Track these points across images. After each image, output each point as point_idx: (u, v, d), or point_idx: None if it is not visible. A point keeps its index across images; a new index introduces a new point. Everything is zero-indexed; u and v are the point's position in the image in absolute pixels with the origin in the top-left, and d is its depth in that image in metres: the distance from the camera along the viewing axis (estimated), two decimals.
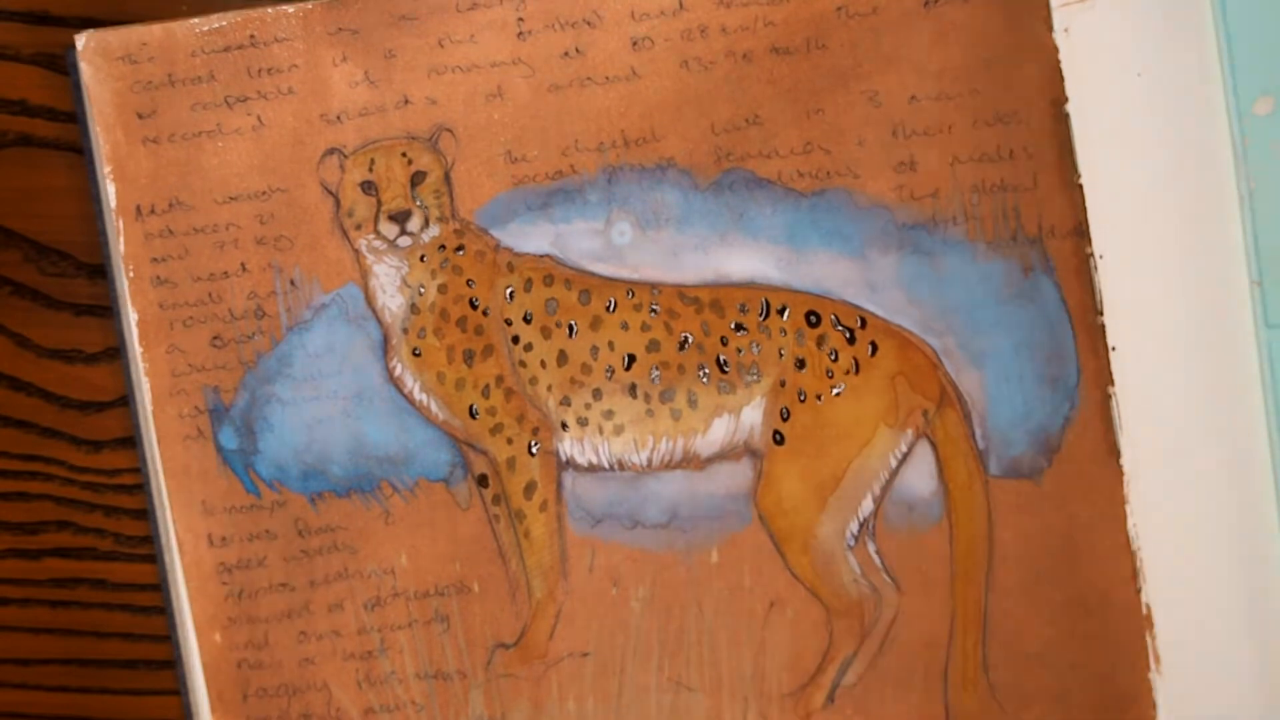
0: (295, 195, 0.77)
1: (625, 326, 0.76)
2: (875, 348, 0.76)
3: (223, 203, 0.77)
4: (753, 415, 0.77)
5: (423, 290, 0.77)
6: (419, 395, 0.77)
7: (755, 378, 0.76)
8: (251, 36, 0.76)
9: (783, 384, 0.76)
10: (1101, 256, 0.75)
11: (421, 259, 0.77)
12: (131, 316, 0.77)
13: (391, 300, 0.77)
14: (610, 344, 0.77)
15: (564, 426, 0.77)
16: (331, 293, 0.77)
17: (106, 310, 0.80)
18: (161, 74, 0.76)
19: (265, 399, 0.78)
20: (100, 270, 0.80)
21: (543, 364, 0.77)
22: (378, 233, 0.77)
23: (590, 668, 0.78)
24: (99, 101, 0.77)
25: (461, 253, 0.77)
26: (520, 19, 0.76)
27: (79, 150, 0.79)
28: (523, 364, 0.77)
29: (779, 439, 0.76)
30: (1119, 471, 0.75)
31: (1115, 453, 0.75)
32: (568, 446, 0.77)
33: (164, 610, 0.80)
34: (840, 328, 0.76)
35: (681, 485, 0.77)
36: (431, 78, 0.76)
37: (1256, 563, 0.75)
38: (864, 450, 0.76)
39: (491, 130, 0.76)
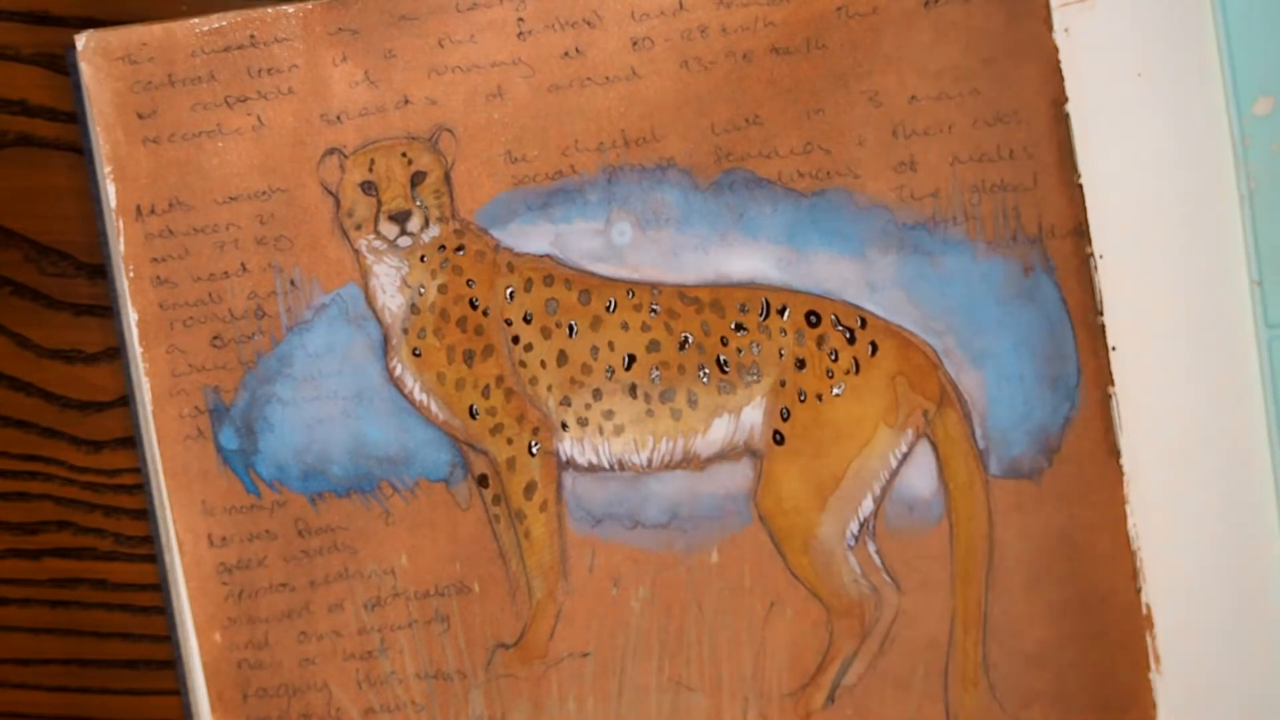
0: (295, 195, 0.77)
1: (625, 326, 0.76)
2: (875, 348, 0.76)
3: (223, 203, 0.77)
4: (753, 415, 0.77)
5: (423, 290, 0.77)
6: (419, 395, 0.77)
7: (755, 378, 0.76)
8: (251, 36, 0.76)
9: (783, 384, 0.76)
10: (1101, 256, 0.75)
11: (421, 259, 0.77)
12: (131, 316, 0.77)
13: (391, 300, 0.77)
14: (610, 344, 0.77)
15: (564, 426, 0.77)
16: (332, 293, 0.77)
17: (106, 310, 0.80)
18: (161, 74, 0.76)
19: (265, 399, 0.78)
20: (100, 270, 0.80)
21: (543, 364, 0.77)
22: (378, 233, 0.77)
23: (590, 668, 0.78)
24: (99, 101, 0.77)
25: (461, 253, 0.77)
26: (520, 19, 0.76)
27: (79, 150, 0.79)
28: (523, 364, 0.77)
29: (779, 439, 0.76)
30: (1119, 471, 0.75)
31: (1115, 453, 0.75)
32: (568, 446, 0.77)
33: (164, 610, 0.80)
34: (840, 328, 0.76)
35: (682, 485, 0.77)
36: (431, 78, 0.76)
37: (1257, 562, 0.75)
38: (864, 450, 0.76)
39: (491, 130, 0.76)
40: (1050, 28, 0.74)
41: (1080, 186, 0.75)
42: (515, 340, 0.77)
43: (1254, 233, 0.74)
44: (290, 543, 0.78)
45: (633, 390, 0.77)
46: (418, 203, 0.76)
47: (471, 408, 0.77)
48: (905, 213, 0.76)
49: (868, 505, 0.76)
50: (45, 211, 0.81)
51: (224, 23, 0.76)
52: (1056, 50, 0.75)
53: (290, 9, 0.76)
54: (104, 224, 0.78)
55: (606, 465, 0.77)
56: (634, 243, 0.76)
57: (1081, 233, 0.75)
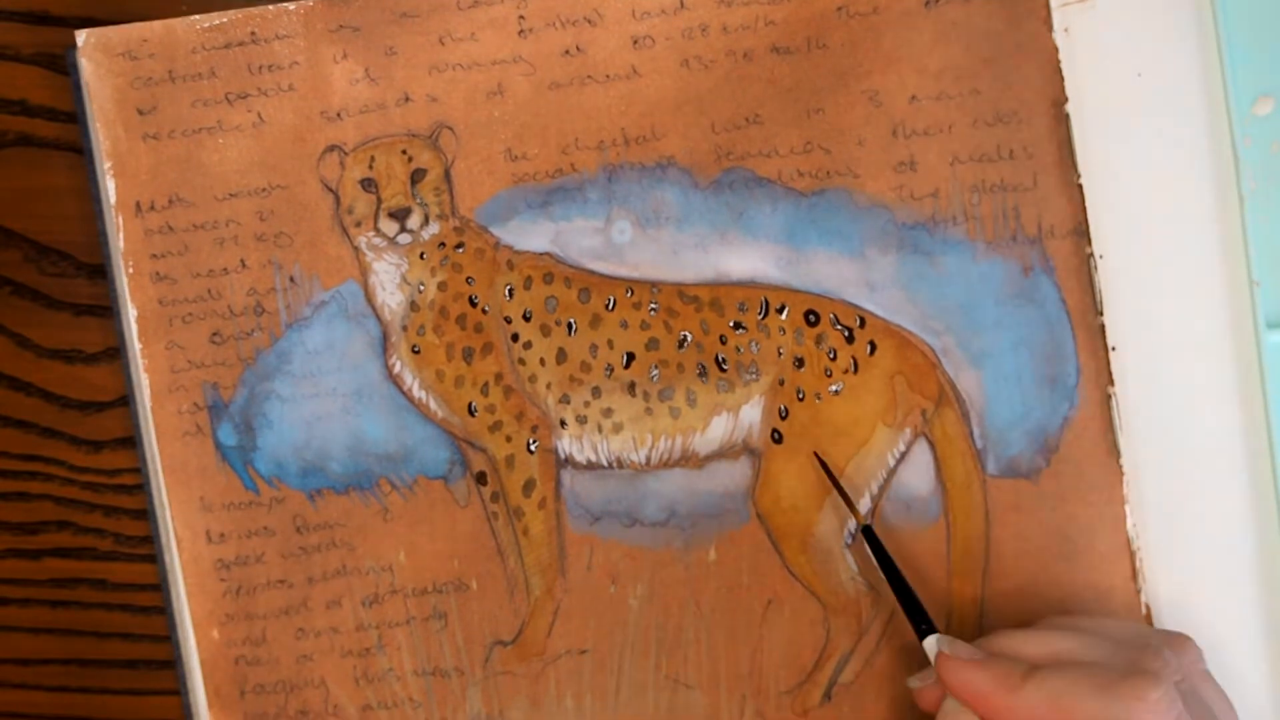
0: (295, 192, 0.77)
1: (624, 325, 0.76)
2: (874, 347, 0.76)
3: (223, 199, 0.77)
4: (751, 414, 0.77)
5: (422, 287, 0.77)
6: (418, 393, 0.77)
7: (754, 376, 0.76)
8: (252, 33, 0.76)
9: (781, 383, 0.76)
10: (1101, 256, 0.75)
11: (421, 256, 0.77)
12: (131, 313, 0.77)
13: (391, 297, 0.77)
14: (609, 342, 0.77)
15: (563, 424, 0.77)
16: (331, 290, 0.77)
17: (106, 310, 0.80)
18: (162, 70, 0.77)
19: (264, 396, 0.78)
20: (100, 270, 0.80)
21: (542, 362, 0.77)
22: (377, 230, 0.77)
23: (588, 665, 0.78)
24: (99, 98, 0.77)
25: (461, 250, 0.77)
26: (521, 17, 0.76)
27: (79, 150, 0.79)
28: (522, 362, 0.77)
29: (777, 437, 0.76)
30: (1118, 471, 0.75)
31: (1115, 453, 0.75)
32: (566, 444, 0.77)
33: (164, 610, 0.80)
34: (839, 327, 0.76)
35: (680, 483, 0.77)
36: (432, 75, 0.76)
37: (1257, 563, 0.75)
38: (862, 449, 0.76)
39: (492, 128, 0.76)
40: (1050, 28, 0.75)
41: (1080, 186, 0.75)
42: (514, 338, 0.77)
43: (1254, 233, 0.74)
44: (288, 539, 0.78)
45: (631, 388, 0.77)
46: (418, 200, 0.76)
47: (470, 405, 0.77)
48: (905, 212, 0.76)
49: (865, 504, 0.76)
50: (45, 211, 0.81)
51: (225, 19, 0.76)
52: (1056, 50, 0.75)
53: (291, 6, 0.76)
54: (104, 222, 0.78)
55: (605, 463, 0.77)
56: (634, 241, 0.76)
57: (1081, 233, 0.75)
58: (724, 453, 0.77)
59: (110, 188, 0.77)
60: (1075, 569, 0.75)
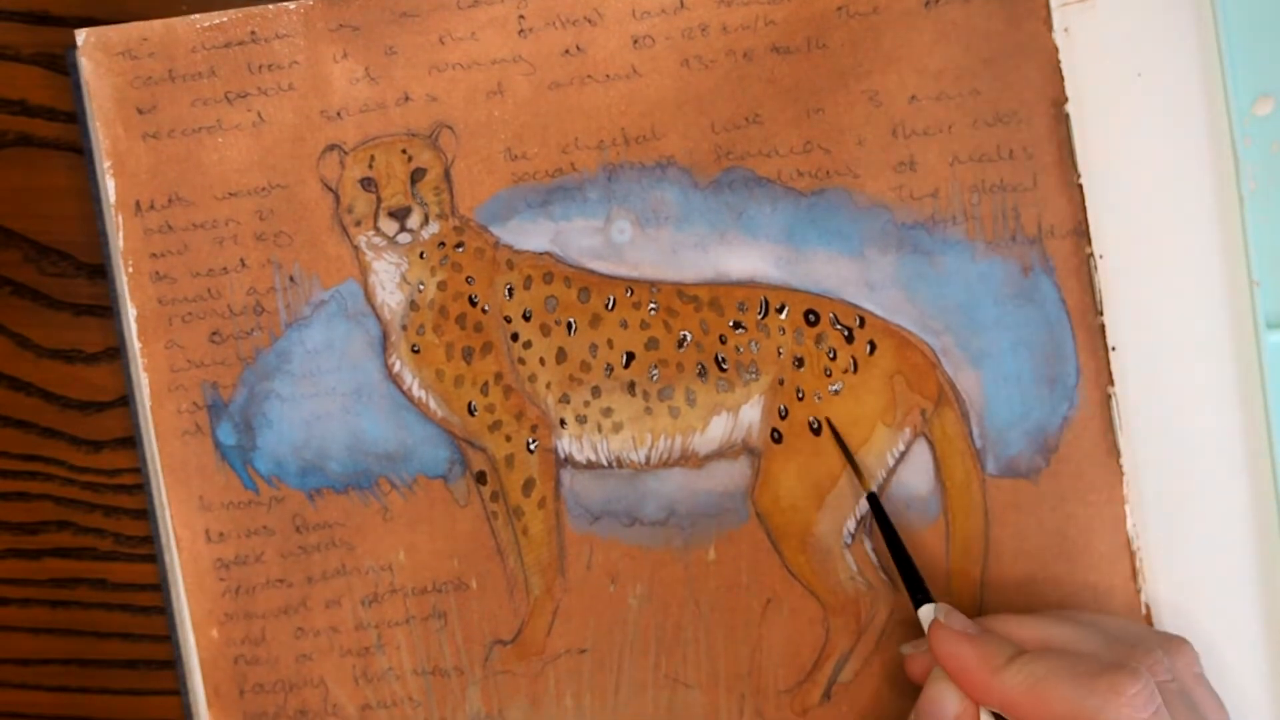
0: (295, 191, 0.77)
1: (624, 324, 0.76)
2: (873, 347, 0.76)
3: (222, 198, 0.77)
4: (751, 413, 0.77)
5: (422, 287, 0.77)
6: (418, 392, 0.77)
7: (754, 376, 0.76)
8: (252, 33, 0.76)
9: (781, 382, 0.76)
10: (1101, 256, 0.75)
11: (421, 256, 0.77)
12: (130, 313, 0.77)
13: (391, 297, 0.77)
14: (609, 342, 0.77)
15: (562, 424, 0.77)
16: (331, 289, 0.77)
17: (106, 310, 0.80)
18: (162, 69, 0.77)
19: (264, 395, 0.78)
20: (100, 270, 0.80)
21: (541, 361, 0.77)
22: (377, 229, 0.77)
23: (587, 664, 0.78)
24: (99, 97, 0.77)
25: (461, 250, 0.77)
26: (521, 16, 0.76)
27: (79, 150, 0.79)
28: (521, 361, 0.77)
29: (777, 437, 0.76)
30: (1118, 471, 0.75)
31: (1115, 453, 0.75)
32: (566, 444, 0.77)
33: (164, 610, 0.80)
34: (839, 326, 0.76)
35: (680, 483, 0.77)
36: (432, 74, 0.76)
37: (1257, 563, 0.75)
38: (861, 449, 0.76)
39: (492, 127, 0.76)
40: (1050, 28, 0.75)
41: (1080, 186, 0.75)
42: (514, 337, 0.77)
43: (1254, 233, 0.74)
44: (288, 539, 0.78)
45: (631, 388, 0.77)
46: (417, 199, 0.77)
47: (470, 405, 0.77)
48: (904, 212, 0.76)
49: (864, 503, 0.76)
50: (45, 211, 0.81)
51: (225, 19, 0.76)
52: (1056, 50, 0.75)
53: (291, 5, 0.76)
54: (103, 221, 0.78)
55: (605, 463, 0.77)
56: (633, 241, 0.76)
57: (1081, 233, 0.75)
58: (723, 452, 0.77)
59: (110, 187, 0.77)
60: (1075, 569, 0.75)
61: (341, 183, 0.77)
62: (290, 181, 0.77)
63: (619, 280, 0.77)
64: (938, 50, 0.75)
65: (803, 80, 0.76)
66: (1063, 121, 0.75)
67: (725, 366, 0.76)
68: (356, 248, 0.77)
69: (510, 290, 0.77)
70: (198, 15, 0.77)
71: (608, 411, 0.77)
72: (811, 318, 0.76)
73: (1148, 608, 0.75)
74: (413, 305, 0.77)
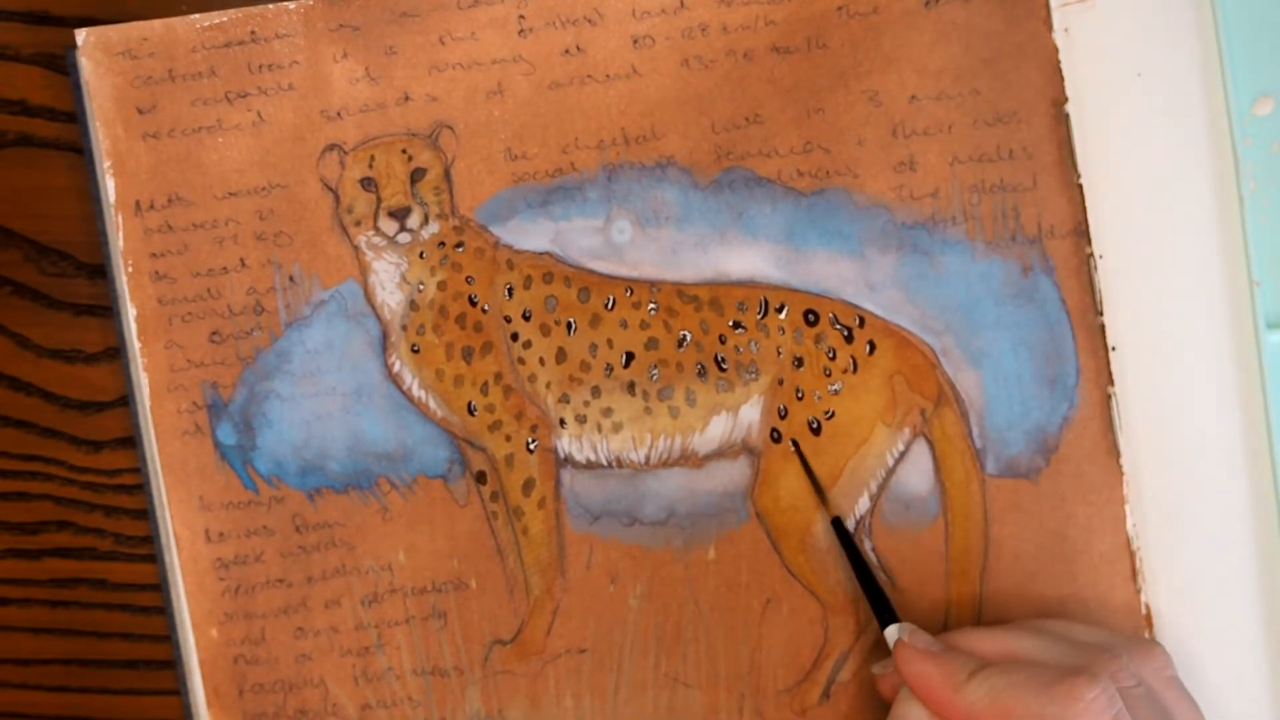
0: (295, 191, 0.77)
1: (624, 324, 0.76)
2: (873, 346, 0.76)
3: (222, 198, 0.77)
4: (751, 413, 0.77)
5: (422, 287, 0.77)
6: (417, 392, 0.77)
7: (753, 376, 0.76)
8: (252, 32, 0.76)
9: (781, 382, 0.76)
10: (1101, 256, 0.75)
11: (421, 256, 0.77)
12: (130, 312, 0.77)
13: (391, 297, 0.77)
14: (609, 341, 0.77)
15: (562, 424, 0.77)
16: (331, 289, 0.77)
17: (106, 310, 0.80)
18: (162, 69, 0.77)
19: (264, 395, 0.78)
20: (100, 270, 0.80)
21: (541, 361, 0.77)
22: (377, 229, 0.77)
23: (587, 664, 0.78)
24: (99, 96, 0.77)
25: (461, 249, 0.77)
26: (521, 16, 0.76)
27: (79, 150, 0.79)
28: (521, 361, 0.77)
29: (776, 437, 0.76)
30: (1118, 471, 0.75)
31: (1115, 453, 0.75)
32: (566, 444, 0.77)
33: (164, 610, 0.80)
34: (838, 326, 0.76)
35: (679, 483, 0.77)
36: (432, 74, 0.76)
37: (1258, 563, 0.75)
38: (861, 449, 0.76)
39: (492, 127, 0.76)
40: (1050, 28, 0.75)
41: (1080, 186, 0.75)
42: (514, 337, 0.77)
43: (1254, 233, 0.74)
44: (288, 539, 0.78)
45: (631, 388, 0.77)
46: (417, 199, 0.77)
47: (470, 404, 0.77)
48: (904, 212, 0.76)
49: (864, 503, 0.76)
50: (45, 211, 0.81)
51: (225, 18, 0.76)
52: (1056, 50, 0.75)
53: (291, 5, 0.76)
54: (103, 221, 0.78)
55: (605, 462, 0.77)
56: (633, 241, 0.76)
57: (1081, 233, 0.75)
58: (723, 452, 0.77)
59: (110, 187, 0.77)
60: (1075, 569, 0.75)
61: (341, 183, 0.77)
62: (290, 181, 0.77)
63: (619, 280, 0.77)
64: (938, 50, 0.75)
65: (803, 80, 0.76)
66: (1063, 121, 0.75)
67: (725, 366, 0.76)
68: (356, 248, 0.77)
69: (510, 290, 0.77)
70: (198, 15, 0.77)
71: (608, 411, 0.77)
72: (811, 318, 0.76)
73: (1147, 607, 0.75)
74: (413, 305, 0.77)
